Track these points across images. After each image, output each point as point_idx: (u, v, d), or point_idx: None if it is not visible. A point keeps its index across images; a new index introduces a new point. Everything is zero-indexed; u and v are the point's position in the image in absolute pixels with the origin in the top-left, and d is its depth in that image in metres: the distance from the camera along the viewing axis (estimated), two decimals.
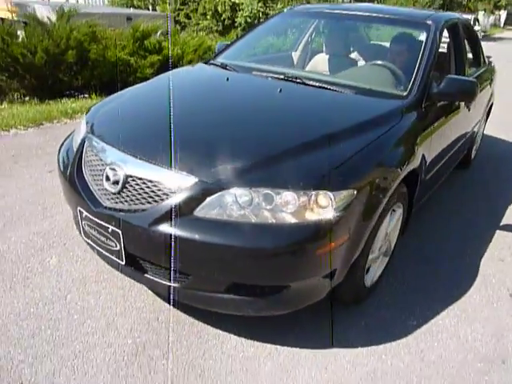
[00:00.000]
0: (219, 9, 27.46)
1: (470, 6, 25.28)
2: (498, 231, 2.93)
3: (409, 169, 1.88)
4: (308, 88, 2.17)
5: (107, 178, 1.65)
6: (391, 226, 2.01)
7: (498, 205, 3.34)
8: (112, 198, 1.63)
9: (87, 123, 1.99)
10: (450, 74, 2.95)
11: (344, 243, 1.56)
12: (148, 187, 1.56)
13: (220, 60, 2.72)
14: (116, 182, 1.62)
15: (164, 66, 6.89)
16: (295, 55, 3.44)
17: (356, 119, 1.87)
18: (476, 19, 15.29)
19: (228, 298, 1.54)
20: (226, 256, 1.45)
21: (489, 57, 4.13)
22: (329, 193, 1.49)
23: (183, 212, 1.49)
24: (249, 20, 20.04)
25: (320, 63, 3.08)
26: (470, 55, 3.70)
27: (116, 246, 1.62)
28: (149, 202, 1.55)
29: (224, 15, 27.74)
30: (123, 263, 1.64)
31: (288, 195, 1.48)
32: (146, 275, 1.64)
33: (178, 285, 1.58)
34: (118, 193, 1.61)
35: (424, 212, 3.01)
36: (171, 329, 1.81)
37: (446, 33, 2.93)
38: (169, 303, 1.90)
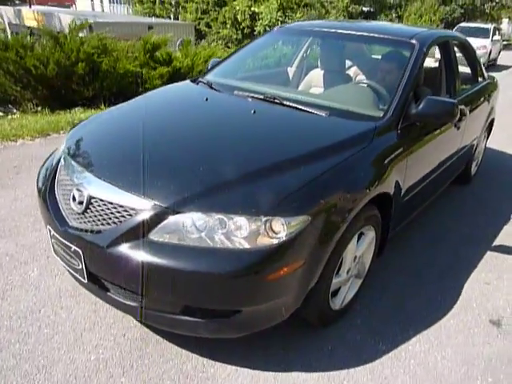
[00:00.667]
0: (239, 18, 27.89)
1: (492, 14, 24.74)
2: (489, 252, 2.86)
3: (376, 192, 1.87)
4: (284, 109, 2.18)
5: (73, 198, 1.71)
6: (361, 249, 1.99)
7: (496, 222, 3.26)
8: (78, 218, 1.69)
9: (66, 143, 2.06)
10: (440, 90, 2.94)
11: (299, 268, 1.56)
12: (108, 209, 1.61)
13: (208, 77, 2.77)
14: (81, 203, 1.68)
15: (173, 78, 7.04)
16: (291, 71, 3.47)
17: (322, 142, 1.87)
18: (496, 28, 14.92)
19: (183, 320, 1.56)
20: (176, 279, 1.47)
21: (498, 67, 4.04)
22: (281, 219, 1.50)
23: (138, 234, 1.52)
24: (268, 29, 20.32)
25: (315, 79, 3.10)
26: (468, 71, 3.66)
27: (78, 265, 1.67)
28: (108, 224, 1.59)
29: (243, 24, 28.13)
30: (85, 281, 1.69)
31: (240, 220, 1.50)
32: (108, 293, 1.68)
33: (136, 304, 1.61)
34: (83, 213, 1.67)
35: (415, 227, 2.98)
36: (135, 346, 1.84)
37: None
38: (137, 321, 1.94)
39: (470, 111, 3.15)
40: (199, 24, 30.68)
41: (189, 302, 1.52)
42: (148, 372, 1.73)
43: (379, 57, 2.98)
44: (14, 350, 1.79)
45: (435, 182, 2.73)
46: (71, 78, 6.10)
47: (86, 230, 1.63)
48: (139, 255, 1.50)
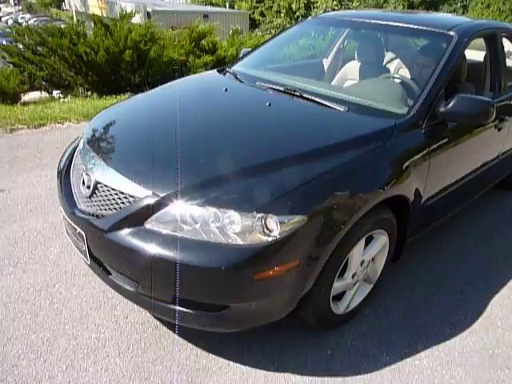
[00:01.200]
0: (293, 6, 27.55)
1: None
2: None
3: (388, 195, 1.76)
4: (301, 102, 2.11)
5: (83, 182, 1.77)
6: (370, 253, 1.89)
7: None
8: (85, 202, 1.74)
9: (87, 128, 2.13)
10: (484, 86, 2.70)
11: (293, 269, 1.51)
12: (111, 195, 1.64)
13: (235, 67, 2.74)
14: (89, 187, 1.73)
15: (216, 66, 7.09)
16: (326, 62, 3.35)
17: (334, 139, 1.78)
18: None
19: (174, 309, 1.57)
20: (166, 269, 1.48)
21: None
22: (274, 217, 1.45)
23: (135, 222, 1.55)
24: None
25: (351, 71, 2.97)
26: None
27: (83, 247, 1.73)
28: (110, 209, 1.63)
29: (298, 13, 27.72)
30: (89, 263, 1.75)
31: (234, 215, 1.47)
32: (109, 276, 1.73)
33: (133, 289, 1.64)
34: (89, 197, 1.72)
35: (444, 235, 2.79)
36: (135, 330, 1.89)
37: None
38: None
39: None
40: (254, 13, 30.69)
41: (178, 293, 1.52)
42: (142, 356, 1.77)
43: None
44: (24, 320, 1.90)
45: (467, 187, 2.52)
46: (119, 64, 6.33)
47: (91, 214, 1.68)
48: (133, 242, 1.52)
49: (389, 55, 3.02)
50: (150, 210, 1.54)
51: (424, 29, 2.44)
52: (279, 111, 2.05)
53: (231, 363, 1.77)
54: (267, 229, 1.46)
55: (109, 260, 1.66)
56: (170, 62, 6.50)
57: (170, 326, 1.90)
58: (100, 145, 1.90)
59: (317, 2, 25.32)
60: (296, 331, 1.93)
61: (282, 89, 2.24)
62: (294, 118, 2.01)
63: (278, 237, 1.45)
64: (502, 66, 2.71)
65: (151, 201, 1.54)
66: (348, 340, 1.93)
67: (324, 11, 26.02)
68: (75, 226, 1.72)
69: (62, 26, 6.72)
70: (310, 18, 3.09)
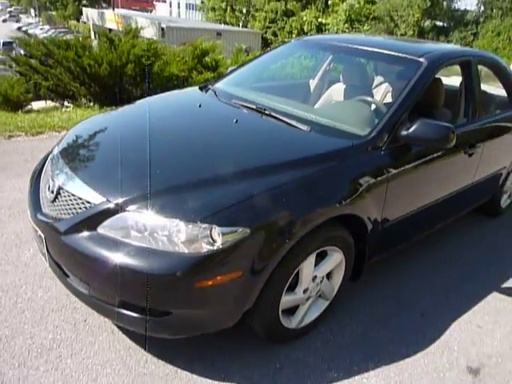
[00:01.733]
0: (305, 28, 28.12)
1: None
2: (494, 293, 2.62)
3: (338, 213, 1.81)
4: (269, 121, 2.19)
5: (49, 187, 1.86)
6: (323, 269, 1.94)
7: None
8: (49, 206, 1.83)
9: (63, 137, 2.24)
10: (459, 113, 2.77)
11: (236, 280, 1.56)
12: (71, 200, 1.73)
13: (218, 84, 2.85)
14: (52, 192, 1.82)
15: None
16: (312, 83, 3.45)
17: (289, 157, 1.85)
18: None
19: (121, 313, 1.62)
20: (112, 273, 1.54)
21: None
22: (217, 228, 1.52)
23: (88, 227, 1.62)
24: None
25: (336, 93, 3.06)
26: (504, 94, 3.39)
27: (43, 249, 1.81)
28: (68, 214, 1.71)
29: (309, 34, 28.20)
30: (49, 266, 1.82)
31: (180, 225, 1.53)
32: (67, 279, 1.80)
33: (86, 292, 1.70)
34: (52, 201, 1.80)
35: (415, 255, 2.81)
36: (91, 332, 1.94)
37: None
38: None
39: (494, 137, 2.92)
40: (266, 32, 31.39)
41: (124, 297, 1.58)
42: (93, 358, 1.82)
43: None
44: None
45: (435, 213, 2.56)
46: (122, 77, 6.53)
47: (52, 218, 1.76)
48: (84, 246, 1.59)
49: (378, 79, 3.11)
50: (103, 216, 1.61)
51: (396, 55, 2.53)
52: (244, 128, 2.13)
53: (179, 370, 1.80)
54: (212, 239, 1.53)
55: (64, 262, 1.73)
56: (171, 77, 6.69)
57: (126, 331, 1.95)
58: (69, 153, 1.99)
59: (328, 24, 25.80)
60: (248, 342, 1.96)
61: (253, 107, 2.33)
62: (257, 135, 2.10)
63: (220, 247, 1.51)
64: (477, 93, 2.78)
65: (104, 207, 1.62)
66: (299, 355, 1.96)
67: (336, 33, 26.53)
68: (36, 229, 1.80)
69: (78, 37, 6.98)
70: (293, 40, 3.21)
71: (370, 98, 2.60)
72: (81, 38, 6.60)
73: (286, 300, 1.83)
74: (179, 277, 1.49)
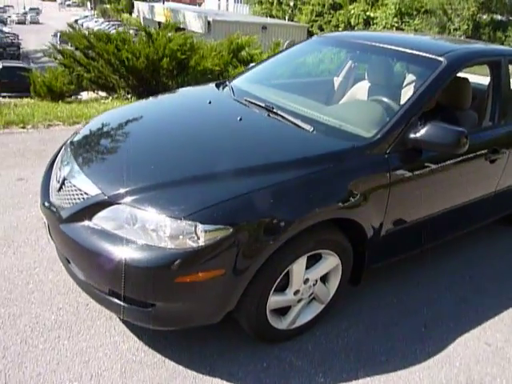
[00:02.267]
0: (352, 21, 27.35)
1: None
2: (510, 309, 2.46)
3: (332, 216, 1.78)
4: (274, 120, 2.17)
5: (56, 177, 1.96)
6: (316, 272, 1.91)
7: None
8: (56, 195, 1.93)
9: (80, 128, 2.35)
10: (485, 115, 2.61)
11: (218, 278, 1.58)
12: (72, 190, 1.82)
13: (235, 81, 2.86)
14: (59, 181, 1.92)
15: None
16: (337, 81, 3.38)
17: (285, 157, 1.84)
18: None
19: (111, 301, 1.69)
20: (103, 262, 1.61)
21: None
22: (200, 225, 1.54)
23: (84, 217, 1.70)
24: None
25: (360, 91, 2.99)
26: None
27: (48, 236, 1.92)
28: (69, 204, 1.80)
29: (356, 28, 27.44)
30: (56, 252, 1.94)
31: (166, 220, 1.57)
32: (69, 265, 1.90)
33: (83, 278, 1.79)
34: (58, 191, 1.91)
35: (425, 264, 2.70)
36: (90, 317, 2.05)
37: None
38: None
39: None
40: (312, 26, 30.87)
41: (112, 286, 1.65)
42: (89, 341, 1.91)
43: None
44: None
45: (448, 222, 2.43)
46: (158, 70, 6.71)
47: (56, 206, 1.86)
48: (79, 236, 1.67)
49: (409, 78, 2.99)
50: (97, 208, 1.68)
51: (415, 53, 2.41)
52: (246, 127, 2.14)
53: (167, 360, 1.86)
54: (196, 236, 1.55)
55: (63, 249, 1.83)
56: (205, 71, 6.79)
57: (123, 319, 2.03)
58: (77, 145, 2.09)
59: (376, 18, 24.96)
60: (239, 339, 1.98)
61: (263, 105, 2.32)
62: (257, 134, 2.09)
63: (202, 244, 1.54)
64: (505, 95, 2.60)
65: (99, 199, 1.69)
66: (288, 356, 1.95)
67: (383, 27, 25.58)
68: (43, 216, 1.92)
69: (131, 31, 7.25)
70: (315, 36, 3.15)
71: (386, 99, 2.50)
72: (122, 32, 6.83)
73: (275, 300, 1.82)
74: (161, 271, 1.53)
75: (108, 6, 52.80)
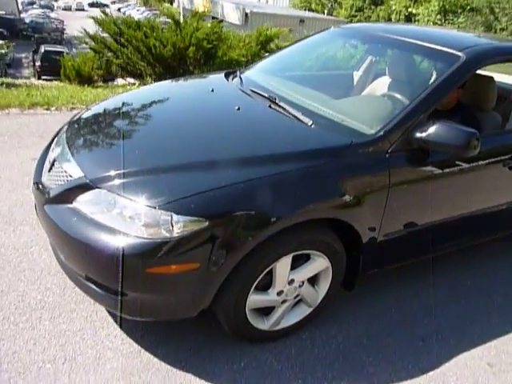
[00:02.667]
0: (393, 18, 26.44)
1: None
2: None
3: (320, 216, 1.67)
4: (274, 111, 2.06)
5: (49, 158, 1.96)
6: (303, 273, 1.81)
7: None
8: (46, 175, 1.93)
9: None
10: (509, 117, 2.41)
11: (192, 271, 1.52)
12: (59, 172, 1.80)
13: (247, 71, 2.77)
14: (49, 162, 1.91)
15: None
16: (356, 75, 3.23)
17: (276, 150, 1.74)
18: None
19: (89, 286, 1.67)
20: (79, 246, 1.58)
21: None
22: (175, 216, 1.48)
23: (66, 199, 1.68)
24: None
25: (380, 86, 2.84)
26: None
27: (37, 216, 1.92)
28: (55, 185, 1.79)
29: None
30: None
31: (142, 208, 1.52)
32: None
33: (64, 260, 1.78)
34: (49, 171, 1.90)
35: (431, 275, 2.53)
36: (75, 300, 2.04)
37: None
38: None
39: None
40: (351, 21, 30.13)
41: (87, 272, 1.62)
42: (68, 324, 1.90)
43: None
44: None
45: (456, 232, 2.26)
46: (185, 59, 6.71)
47: (45, 187, 1.86)
48: (58, 218, 1.65)
49: (426, 73, 2.81)
50: (79, 191, 1.66)
51: (433, 47, 2.24)
52: (243, 117, 2.05)
53: (142, 351, 1.82)
54: (171, 226, 1.49)
55: (45, 230, 1.82)
56: (231, 61, 6.72)
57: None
58: (72, 127, 2.08)
59: (418, 15, 24.00)
60: (219, 336, 1.92)
61: (266, 95, 2.23)
62: (253, 124, 2.00)
63: (176, 236, 1.48)
64: None
65: (81, 182, 1.66)
66: (269, 358, 1.87)
67: (426, 25, 24.63)
68: (32, 196, 1.92)
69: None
70: (332, 27, 3.00)
71: (398, 95, 2.34)
72: (152, 20, 6.87)
73: (255, 299, 1.74)
74: (133, 260, 1.49)
75: None
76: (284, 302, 1.85)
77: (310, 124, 1.93)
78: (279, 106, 2.10)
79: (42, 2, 45.32)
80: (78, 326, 1.90)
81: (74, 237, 1.58)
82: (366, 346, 2.00)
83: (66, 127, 2.12)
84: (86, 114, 2.22)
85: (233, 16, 27.27)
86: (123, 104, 2.26)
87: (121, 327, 1.92)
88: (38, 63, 17.85)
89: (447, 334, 2.15)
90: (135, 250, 1.48)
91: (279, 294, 1.79)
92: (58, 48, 19.50)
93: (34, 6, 43.04)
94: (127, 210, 1.55)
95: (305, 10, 33.06)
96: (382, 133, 1.85)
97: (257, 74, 2.70)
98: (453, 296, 2.40)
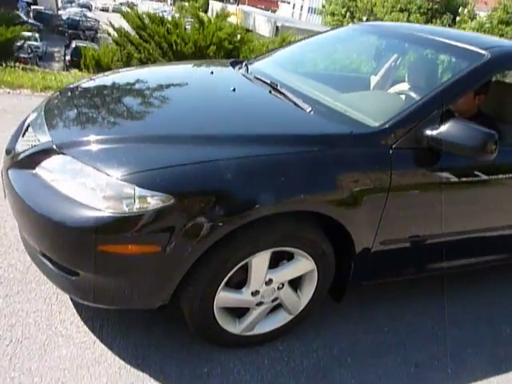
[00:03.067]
0: None
1: None
2: None
3: (304, 208, 1.48)
4: (270, 96, 1.89)
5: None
6: (283, 274, 1.61)
7: None
8: (20, 141, 1.79)
9: None
10: None
11: (151, 255, 1.34)
12: (30, 136, 1.66)
13: (256, 61, 2.62)
14: (23, 126, 1.79)
15: None
16: (373, 80, 3.04)
17: (263, 131, 1.56)
18: None
19: (44, 262, 1.51)
20: (31, 217, 1.42)
21: None
22: (137, 188, 1.30)
23: (29, 165, 1.53)
24: None
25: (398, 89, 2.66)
26: None
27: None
28: (23, 150, 1.65)
29: None
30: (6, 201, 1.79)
31: (102, 178, 1.36)
32: None
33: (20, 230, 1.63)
34: (22, 136, 1.77)
35: (437, 297, 2.27)
36: (37, 280, 1.87)
37: None
38: None
39: None
40: None
41: (40, 246, 1.46)
42: (24, 304, 1.74)
43: None
44: None
45: (459, 249, 2.02)
46: (205, 58, 6.63)
47: (14, 152, 1.72)
48: (18, 184, 1.51)
49: (447, 71, 2.61)
50: (43, 156, 1.51)
51: (457, 45, 2.03)
52: (236, 97, 1.88)
53: (97, 342, 1.64)
54: (132, 201, 1.32)
55: (9, 197, 1.67)
56: None
57: None
58: (54, 97, 1.95)
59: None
60: (187, 335, 1.72)
61: (268, 81, 2.06)
62: (245, 105, 1.84)
63: (136, 212, 1.30)
64: None
65: (46, 146, 1.51)
66: (237, 367, 1.66)
67: None
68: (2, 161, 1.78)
69: None
70: (351, 24, 2.84)
71: (412, 93, 2.14)
72: (176, 18, 6.86)
73: (226, 297, 1.55)
74: (84, 234, 1.32)
75: (186, 3, 54.96)
76: (260, 304, 1.64)
77: (308, 110, 1.75)
78: (280, 93, 1.93)
79: (81, 1, 46.81)
80: (34, 308, 1.74)
81: (28, 204, 1.42)
82: (349, 366, 1.77)
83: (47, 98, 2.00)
84: (72, 86, 2.10)
85: (264, 28, 27.51)
86: (116, 80, 2.13)
87: (79, 313, 1.74)
88: (67, 57, 18.28)
89: (445, 362, 1.89)
90: (88, 223, 1.31)
91: (254, 294, 1.59)
92: (89, 44, 19.95)
93: (73, 4, 44.49)
94: (90, 180, 1.39)
95: (335, 27, 33.05)
96: (387, 125, 1.65)
97: (265, 64, 2.54)
98: (456, 320, 2.14)
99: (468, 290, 2.38)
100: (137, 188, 1.31)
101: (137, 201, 1.31)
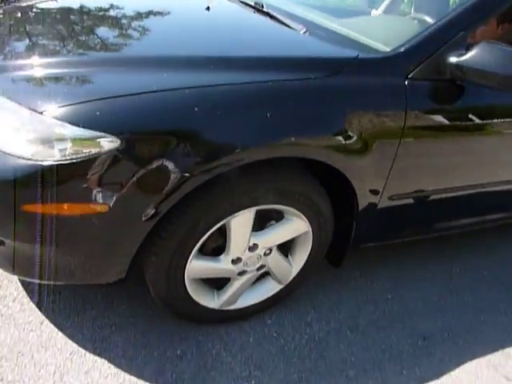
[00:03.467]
0: None
1: None
2: None
3: (297, 154, 1.15)
4: (255, 17, 1.52)
5: None
6: (271, 237, 1.31)
7: None
8: None
9: None
10: None
11: (98, 216, 1.01)
12: None
13: None
14: None
15: None
16: (374, 14, 2.62)
17: (244, 53, 1.21)
18: None
19: None
20: None
21: None
22: (70, 127, 0.96)
23: None
24: None
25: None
26: None
27: None
28: None
29: None
30: None
31: (27, 116, 1.00)
32: None
33: None
34: None
35: (452, 246, 2.01)
36: None
37: None
38: None
39: None
40: None
41: None
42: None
43: None
44: None
45: (480, 204, 1.74)
46: None
47: None
48: None
49: None
50: None
51: None
52: (214, 17, 1.50)
53: (46, 322, 1.35)
54: (67, 144, 0.98)
55: None
56: None
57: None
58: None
59: None
60: (158, 313, 1.44)
61: (252, 3, 1.66)
62: (220, 26, 1.45)
63: (71, 158, 0.96)
64: None
65: None
66: (216, 347, 1.39)
67: None
68: None
69: None
70: None
71: (430, 18, 1.76)
72: None
73: (199, 266, 1.25)
74: (5, 190, 0.98)
75: None
76: (242, 273, 1.34)
77: (302, 31, 1.38)
78: (266, 14, 1.54)
79: None
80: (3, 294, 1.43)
81: None
82: (349, 341, 1.52)
83: None
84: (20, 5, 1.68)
85: None
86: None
87: (26, 289, 1.44)
88: None
89: (455, 333, 1.66)
90: (7, 175, 0.97)
91: (235, 262, 1.29)
92: None
93: None
94: (14, 118, 1.04)
95: None
96: (402, 49, 1.29)
97: None
98: (466, 287, 1.90)
99: (480, 250, 2.13)
100: (70, 126, 0.96)
101: (70, 144, 0.96)
